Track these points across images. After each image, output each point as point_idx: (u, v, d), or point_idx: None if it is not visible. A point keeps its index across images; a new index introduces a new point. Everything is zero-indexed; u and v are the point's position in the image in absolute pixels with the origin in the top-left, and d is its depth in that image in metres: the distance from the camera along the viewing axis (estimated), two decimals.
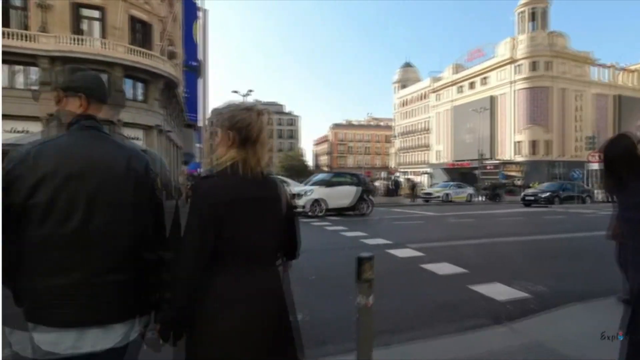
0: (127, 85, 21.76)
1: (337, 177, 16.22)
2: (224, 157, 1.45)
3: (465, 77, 60.58)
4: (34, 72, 20.08)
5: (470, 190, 28.59)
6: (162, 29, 23.64)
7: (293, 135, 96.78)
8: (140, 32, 22.83)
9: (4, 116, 19.87)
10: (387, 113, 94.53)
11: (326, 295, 4.71)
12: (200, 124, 54.44)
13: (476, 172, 43.32)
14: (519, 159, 50.80)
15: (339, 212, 14.72)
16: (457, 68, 62.75)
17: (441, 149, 65.36)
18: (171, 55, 27.37)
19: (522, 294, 4.64)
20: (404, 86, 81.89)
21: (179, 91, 28.22)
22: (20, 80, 20.20)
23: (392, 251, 7.08)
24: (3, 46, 19.11)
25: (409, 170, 72.94)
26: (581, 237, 9.71)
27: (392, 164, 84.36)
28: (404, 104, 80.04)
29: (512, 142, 51.85)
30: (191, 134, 47.33)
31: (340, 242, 8.48)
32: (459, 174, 54.25)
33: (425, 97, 71.74)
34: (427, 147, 70.72)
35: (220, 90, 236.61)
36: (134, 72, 21.53)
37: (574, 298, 4.27)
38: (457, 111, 60.91)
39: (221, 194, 1.38)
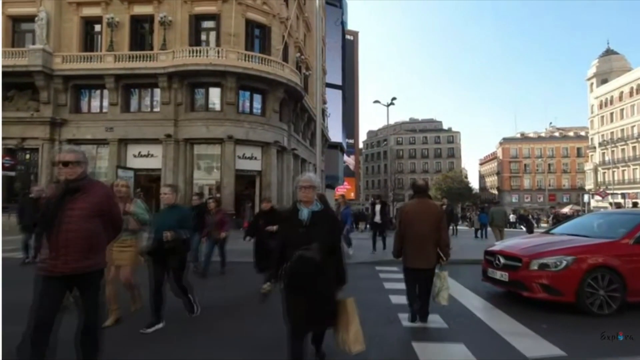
0: (243, 98, 18.99)
1: None
2: None
3: None
4: (156, 94, 19.18)
5: None
6: (283, 31, 20.39)
7: (453, 153, 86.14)
8: (259, 37, 20.08)
9: (132, 140, 19.38)
10: (577, 120, 74.51)
11: None
12: (348, 142, 51.55)
13: None
14: None
15: None
16: None
17: None
18: (300, 65, 24.21)
19: None
20: (604, 81, 62.65)
21: (307, 104, 24.67)
22: (146, 103, 19.60)
23: None
24: (134, 69, 18.70)
25: (617, 192, 53.60)
26: None
27: (588, 184, 64.52)
28: (606, 103, 60.87)
29: None
30: (336, 155, 44.41)
31: None
32: None
33: None
34: None
35: (367, 105, 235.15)
36: (249, 82, 18.63)
37: None
38: None
39: None
